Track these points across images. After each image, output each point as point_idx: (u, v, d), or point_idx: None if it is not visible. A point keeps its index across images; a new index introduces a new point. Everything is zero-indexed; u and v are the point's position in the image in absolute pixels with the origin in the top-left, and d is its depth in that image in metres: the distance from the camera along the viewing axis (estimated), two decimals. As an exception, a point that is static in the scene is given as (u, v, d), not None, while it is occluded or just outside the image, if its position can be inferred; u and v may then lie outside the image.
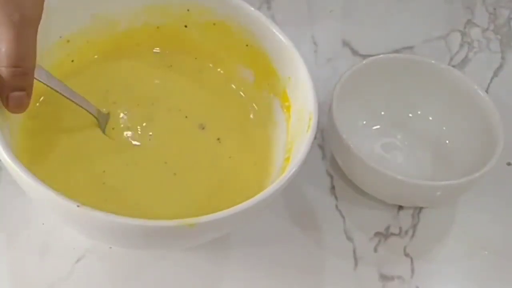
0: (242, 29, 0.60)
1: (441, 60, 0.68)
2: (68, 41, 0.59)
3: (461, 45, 0.78)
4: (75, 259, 0.55)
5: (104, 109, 0.58)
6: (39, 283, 0.54)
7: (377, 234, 0.61)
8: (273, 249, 0.59)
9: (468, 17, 0.81)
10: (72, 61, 0.60)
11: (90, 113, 0.57)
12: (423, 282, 0.59)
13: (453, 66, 0.73)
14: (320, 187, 0.64)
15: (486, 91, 0.71)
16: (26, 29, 0.47)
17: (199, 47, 0.63)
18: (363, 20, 0.79)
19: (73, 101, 0.56)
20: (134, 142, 0.57)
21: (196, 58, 0.63)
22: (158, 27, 0.62)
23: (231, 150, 0.58)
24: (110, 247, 0.56)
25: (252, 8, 0.60)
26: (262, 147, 0.59)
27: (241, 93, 0.62)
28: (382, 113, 0.67)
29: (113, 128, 0.58)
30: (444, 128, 0.66)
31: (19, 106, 0.49)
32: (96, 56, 0.61)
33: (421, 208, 0.63)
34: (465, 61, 0.77)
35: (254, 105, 0.62)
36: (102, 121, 0.58)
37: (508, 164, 0.68)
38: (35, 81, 0.50)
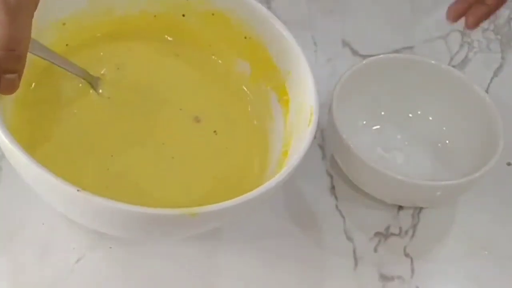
0: (241, 20, 0.60)
1: (441, 60, 0.68)
2: (63, 24, 0.58)
3: (461, 45, 0.78)
4: (75, 259, 0.55)
5: (94, 73, 0.58)
6: (39, 283, 0.54)
7: (377, 234, 0.61)
8: (273, 249, 0.59)
9: (468, 17, 0.81)
10: (67, 45, 0.59)
11: (82, 77, 0.57)
12: (423, 282, 0.59)
13: (453, 66, 0.73)
14: (320, 187, 0.64)
15: (486, 91, 0.71)
16: (21, 13, 0.48)
17: (197, 37, 0.62)
18: (363, 20, 0.79)
19: (64, 68, 0.56)
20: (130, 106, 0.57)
21: (194, 49, 0.62)
22: (155, 16, 0.61)
23: (228, 143, 0.58)
24: (110, 247, 0.56)
25: (253, 0, 0.59)
26: (259, 140, 0.59)
27: (238, 86, 0.62)
28: (382, 113, 0.67)
29: (109, 98, 0.58)
30: (444, 128, 0.66)
31: (10, 88, 0.50)
32: (91, 40, 0.60)
33: (421, 208, 0.63)
34: (465, 61, 0.77)
35: (252, 97, 0.62)
36: (95, 83, 0.57)
37: (508, 164, 0.68)
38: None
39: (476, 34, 0.79)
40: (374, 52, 0.70)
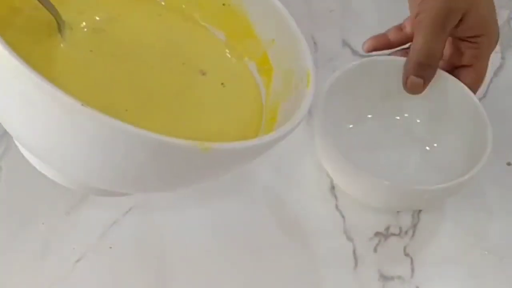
0: None
1: (441, 60, 0.68)
2: None
3: (461, 45, 0.78)
4: (75, 259, 0.55)
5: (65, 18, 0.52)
6: (39, 283, 0.54)
7: (377, 234, 0.61)
8: (273, 248, 0.59)
9: (468, 17, 0.81)
10: None
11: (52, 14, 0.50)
12: (423, 282, 0.59)
13: (453, 66, 0.73)
14: (320, 187, 0.64)
15: (486, 91, 0.71)
16: None
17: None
18: (363, 20, 0.79)
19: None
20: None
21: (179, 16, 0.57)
22: None
23: (236, 94, 0.54)
24: (110, 247, 0.56)
25: None
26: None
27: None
28: (369, 116, 0.66)
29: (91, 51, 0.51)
30: (432, 130, 0.65)
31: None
32: None
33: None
34: (465, 61, 0.77)
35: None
36: (62, 25, 0.51)
37: (508, 164, 0.68)
38: None
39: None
40: (374, 52, 0.70)
